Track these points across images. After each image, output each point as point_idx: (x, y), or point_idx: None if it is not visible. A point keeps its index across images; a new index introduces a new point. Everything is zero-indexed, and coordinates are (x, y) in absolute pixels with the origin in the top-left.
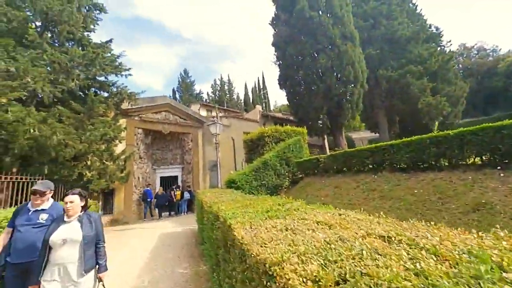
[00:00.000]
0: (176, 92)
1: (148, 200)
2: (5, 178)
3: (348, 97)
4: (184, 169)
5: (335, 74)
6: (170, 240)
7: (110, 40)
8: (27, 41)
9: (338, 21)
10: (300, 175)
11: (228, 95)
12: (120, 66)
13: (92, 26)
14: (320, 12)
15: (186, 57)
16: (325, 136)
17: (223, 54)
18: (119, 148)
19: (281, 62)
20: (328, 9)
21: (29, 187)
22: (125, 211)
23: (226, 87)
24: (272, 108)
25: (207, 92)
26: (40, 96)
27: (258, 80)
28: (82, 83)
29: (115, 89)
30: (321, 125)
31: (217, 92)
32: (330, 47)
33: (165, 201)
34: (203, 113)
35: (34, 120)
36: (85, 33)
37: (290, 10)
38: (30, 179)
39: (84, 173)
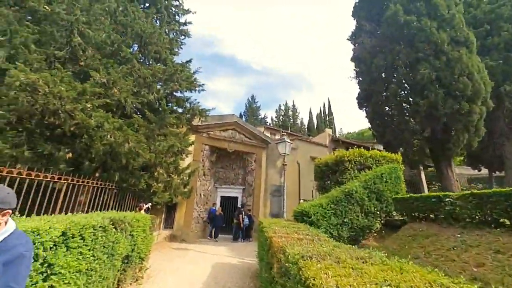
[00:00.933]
0: (243, 116)
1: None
2: (86, 182)
3: (461, 117)
4: (245, 190)
5: (442, 87)
6: (224, 274)
7: (190, 60)
8: (120, 58)
9: (445, 24)
10: (401, 218)
11: (292, 120)
12: (194, 82)
13: (176, 50)
14: (419, 16)
15: (254, 86)
16: (421, 168)
17: (288, 83)
18: (185, 162)
19: (361, 78)
20: (430, 11)
21: (104, 193)
22: (184, 228)
23: (290, 113)
24: (337, 135)
25: (271, 117)
26: (125, 107)
27: (324, 106)
28: (160, 96)
29: (188, 105)
30: (417, 153)
31: (281, 117)
32: (434, 54)
33: (223, 223)
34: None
35: (111, 126)
36: (170, 56)
37: (377, 19)
38: (106, 185)
39: (151, 184)
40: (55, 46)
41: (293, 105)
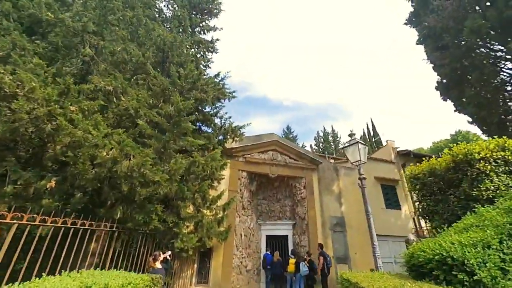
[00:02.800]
0: None
1: (268, 267)
2: (72, 223)
3: None
4: (296, 226)
5: None
6: None
7: (218, 74)
8: (134, 67)
9: None
10: None
11: (333, 145)
12: (223, 89)
13: (203, 65)
14: None
15: (287, 121)
16: None
17: (323, 114)
18: (217, 193)
19: (439, 60)
20: None
21: (111, 238)
22: (223, 283)
23: (330, 138)
24: None
25: (311, 145)
26: (136, 122)
27: (368, 127)
28: (183, 107)
29: (218, 121)
30: None
31: (321, 144)
32: None
33: (283, 271)
34: None
35: (100, 134)
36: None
37: None
38: (103, 226)
39: (172, 222)
40: (63, 61)
41: (333, 130)
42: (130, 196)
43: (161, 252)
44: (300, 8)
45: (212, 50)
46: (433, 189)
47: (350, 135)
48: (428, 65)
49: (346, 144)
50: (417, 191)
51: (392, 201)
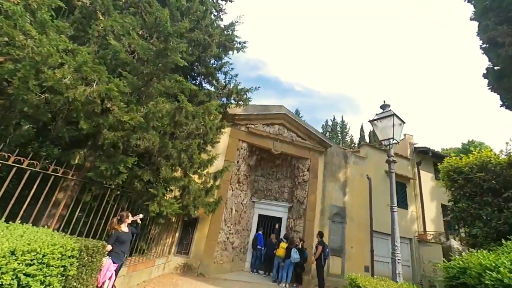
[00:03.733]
0: None
1: (259, 247)
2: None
3: None
4: (292, 210)
5: None
6: None
7: (232, 24)
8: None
9: None
10: None
11: (340, 137)
12: (231, 35)
13: (213, 9)
14: None
15: (296, 106)
16: None
17: (332, 105)
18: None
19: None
20: None
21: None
22: (204, 256)
23: (338, 129)
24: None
25: None
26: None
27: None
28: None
29: (222, 78)
30: None
31: (328, 134)
32: None
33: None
34: None
35: (47, 41)
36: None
37: None
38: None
39: (147, 180)
40: None
41: (342, 121)
42: (95, 140)
43: (129, 213)
44: None
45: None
46: (482, 187)
47: (383, 106)
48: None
49: (376, 117)
50: (454, 188)
51: (400, 200)
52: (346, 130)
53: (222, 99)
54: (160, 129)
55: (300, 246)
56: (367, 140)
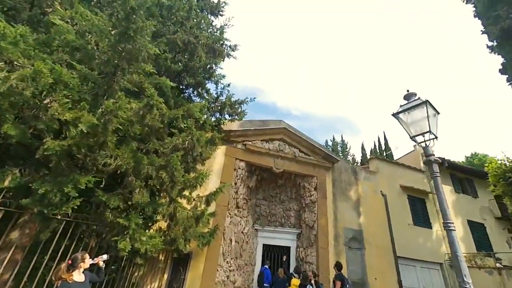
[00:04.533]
0: None
1: (266, 286)
2: None
3: None
4: (302, 236)
5: None
6: None
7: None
8: None
9: None
10: None
11: (342, 156)
12: (220, 37)
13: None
14: None
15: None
16: None
17: (330, 127)
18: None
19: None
20: None
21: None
22: None
23: (339, 148)
24: None
25: None
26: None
27: (379, 140)
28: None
29: (213, 88)
30: None
31: None
32: None
33: None
34: None
35: None
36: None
37: None
38: None
39: (114, 207)
40: None
41: (342, 141)
42: (27, 150)
43: (85, 255)
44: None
45: (217, 13)
46: None
47: (408, 96)
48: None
49: (401, 109)
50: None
51: (421, 217)
52: (347, 150)
53: (215, 115)
54: (134, 143)
55: (315, 281)
56: (368, 157)
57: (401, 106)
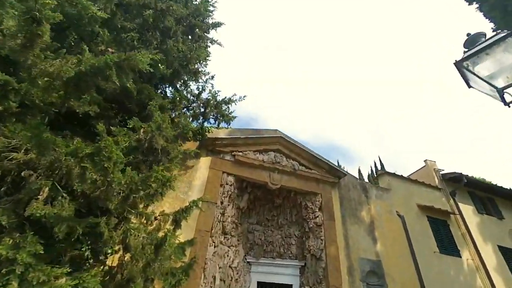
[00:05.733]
0: None
1: None
2: None
3: None
4: (306, 271)
5: None
6: None
7: None
8: None
9: None
10: None
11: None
12: (202, 4)
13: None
14: None
15: None
16: None
17: (324, 154)
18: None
19: None
20: None
21: None
22: None
23: None
24: None
25: None
26: None
27: (375, 165)
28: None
29: (192, 85)
30: None
31: None
32: None
33: None
34: None
35: None
36: None
37: None
38: None
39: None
40: None
41: (339, 165)
42: None
43: None
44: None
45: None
46: None
47: (472, 40)
48: None
49: (471, 52)
50: None
51: (446, 243)
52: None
53: (199, 120)
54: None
55: None
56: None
57: (465, 52)
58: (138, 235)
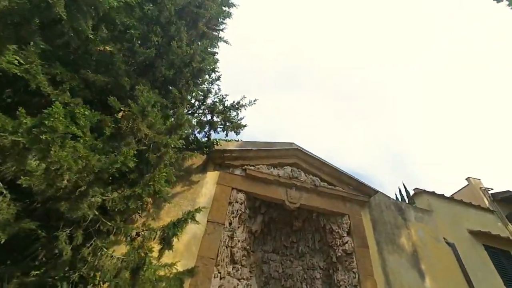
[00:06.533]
0: None
1: None
2: None
3: None
4: None
5: None
6: None
7: None
8: None
9: None
10: None
11: None
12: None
13: None
14: None
15: None
16: None
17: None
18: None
19: None
20: None
21: None
22: None
23: None
24: None
25: None
26: None
27: (400, 192)
28: None
29: (199, 89)
30: None
31: None
32: None
33: None
34: None
35: None
36: None
37: None
38: None
39: None
40: None
41: None
42: None
43: None
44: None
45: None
46: None
47: None
48: None
49: None
50: None
51: None
52: None
53: (205, 129)
54: None
55: None
56: None
57: None
58: (112, 256)
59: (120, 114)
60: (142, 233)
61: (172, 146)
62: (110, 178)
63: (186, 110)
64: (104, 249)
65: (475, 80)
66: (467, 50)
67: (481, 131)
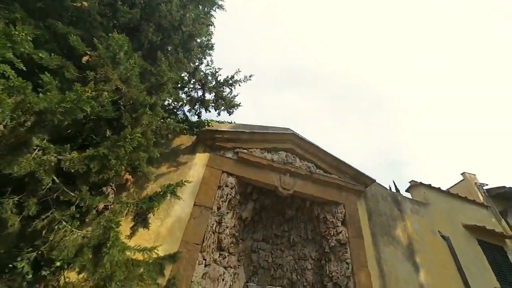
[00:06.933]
0: None
1: None
2: None
3: None
4: None
5: None
6: None
7: None
8: None
9: None
10: None
11: None
12: None
13: None
14: None
15: None
16: None
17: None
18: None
19: None
20: None
21: None
22: None
23: None
24: None
25: None
26: None
27: (390, 189)
28: None
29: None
30: None
31: None
32: None
33: None
34: None
35: None
36: None
37: None
38: None
39: None
40: None
41: None
42: None
43: None
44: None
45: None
46: None
47: None
48: None
49: None
50: None
51: (508, 276)
52: None
53: (195, 107)
54: None
55: None
56: None
57: None
58: (73, 232)
59: (86, 58)
60: (112, 206)
61: (152, 106)
62: (69, 132)
63: (175, 83)
64: (63, 222)
65: (471, 76)
66: (462, 46)
67: (477, 127)
